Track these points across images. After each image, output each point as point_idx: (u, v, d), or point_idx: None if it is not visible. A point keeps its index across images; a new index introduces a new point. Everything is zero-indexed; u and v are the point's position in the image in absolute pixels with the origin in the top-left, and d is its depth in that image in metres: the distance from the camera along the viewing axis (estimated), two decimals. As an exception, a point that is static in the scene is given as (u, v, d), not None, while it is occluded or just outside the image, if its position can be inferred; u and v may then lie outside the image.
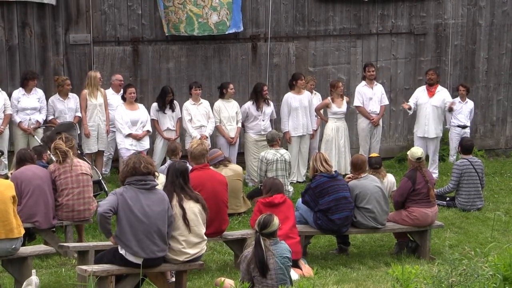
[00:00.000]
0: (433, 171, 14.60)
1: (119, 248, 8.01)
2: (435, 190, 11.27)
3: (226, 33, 15.19)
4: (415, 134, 15.06)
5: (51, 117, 13.68)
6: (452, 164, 14.18)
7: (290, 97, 14.48)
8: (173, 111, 13.97)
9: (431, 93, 14.84)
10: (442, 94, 14.92)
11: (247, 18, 15.48)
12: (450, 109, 15.04)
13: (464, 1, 16.78)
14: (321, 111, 14.86)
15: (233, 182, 11.97)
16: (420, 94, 14.96)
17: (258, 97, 14.27)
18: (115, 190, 8.14)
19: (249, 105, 14.33)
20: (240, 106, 14.34)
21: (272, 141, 13.05)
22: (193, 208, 8.33)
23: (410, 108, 14.93)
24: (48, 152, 11.32)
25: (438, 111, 14.81)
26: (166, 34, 14.91)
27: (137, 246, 7.87)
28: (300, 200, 10.62)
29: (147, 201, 7.93)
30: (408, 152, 11.17)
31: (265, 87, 14.40)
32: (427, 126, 14.78)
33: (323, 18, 15.95)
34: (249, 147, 14.33)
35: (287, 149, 13.83)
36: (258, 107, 14.25)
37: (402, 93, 16.31)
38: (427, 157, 14.20)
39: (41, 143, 12.46)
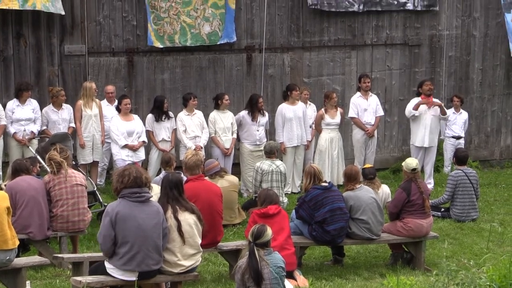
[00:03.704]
0: (429, 181, 14.63)
1: (109, 267, 7.95)
2: (430, 201, 11.26)
3: (218, 43, 15.21)
4: (412, 144, 15.00)
5: (44, 128, 13.66)
6: (447, 175, 14.18)
7: (284, 108, 14.48)
8: (169, 118, 13.97)
9: (429, 104, 14.81)
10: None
11: (242, 29, 15.50)
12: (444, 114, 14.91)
13: (458, 12, 16.82)
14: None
15: (229, 193, 11.96)
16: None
17: (253, 109, 14.26)
18: (108, 207, 8.08)
19: (244, 114, 14.33)
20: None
21: (270, 153, 13.04)
22: (188, 220, 8.30)
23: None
24: (38, 164, 11.31)
25: (436, 120, 14.81)
26: (161, 47, 14.90)
27: (132, 260, 7.82)
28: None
29: (141, 214, 7.88)
30: (403, 163, 11.15)
31: (260, 99, 14.39)
32: (426, 136, 14.74)
33: (318, 29, 15.98)
34: (245, 157, 14.31)
35: (281, 160, 13.82)
36: (254, 118, 14.25)
37: (397, 104, 16.34)
38: (422, 168, 14.20)
39: (36, 154, 12.44)
